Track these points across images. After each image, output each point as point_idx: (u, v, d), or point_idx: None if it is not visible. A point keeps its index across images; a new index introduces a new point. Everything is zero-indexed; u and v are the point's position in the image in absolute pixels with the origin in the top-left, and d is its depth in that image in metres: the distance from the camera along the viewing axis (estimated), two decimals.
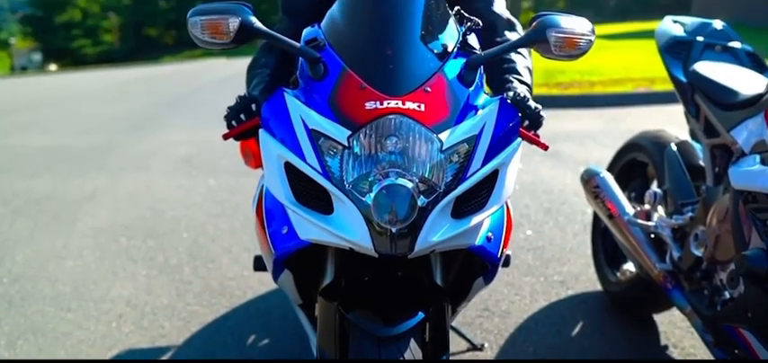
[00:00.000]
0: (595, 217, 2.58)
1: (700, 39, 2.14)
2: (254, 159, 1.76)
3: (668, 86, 2.25)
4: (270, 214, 1.27)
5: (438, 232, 1.10)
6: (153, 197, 4.46)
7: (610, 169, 2.45)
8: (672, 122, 2.26)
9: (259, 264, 1.60)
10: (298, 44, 1.25)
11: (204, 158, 5.65)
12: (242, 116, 1.32)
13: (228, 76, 13.29)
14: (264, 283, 2.82)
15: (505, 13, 1.73)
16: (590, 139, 5.38)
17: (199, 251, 3.31)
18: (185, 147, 6.25)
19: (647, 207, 2.16)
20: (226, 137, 1.34)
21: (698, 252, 1.86)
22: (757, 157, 1.62)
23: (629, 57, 10.75)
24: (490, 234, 1.22)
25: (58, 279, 3.05)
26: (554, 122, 6.08)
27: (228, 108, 1.33)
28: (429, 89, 1.16)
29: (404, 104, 1.12)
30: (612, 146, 4.66)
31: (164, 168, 5.40)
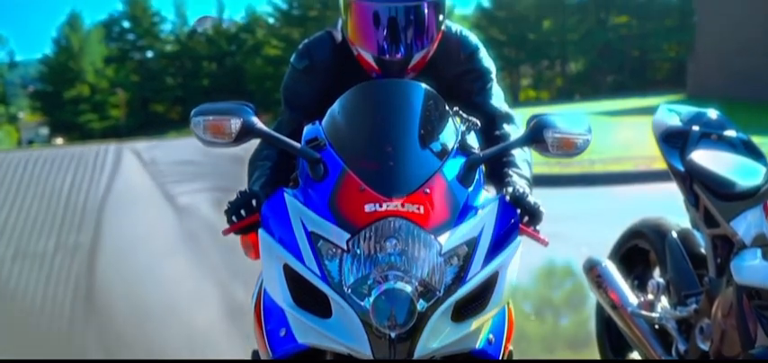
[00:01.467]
0: (599, 306, 2.55)
1: (696, 128, 2.17)
2: (254, 251, 1.75)
3: None
4: (268, 312, 1.26)
5: (438, 337, 1.09)
6: None
7: (611, 256, 2.43)
8: (673, 198, 2.26)
9: (256, 358, 1.58)
10: (298, 145, 1.27)
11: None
12: (242, 212, 1.33)
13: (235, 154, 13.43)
14: None
15: (504, 107, 1.76)
16: (592, 219, 5.38)
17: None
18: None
19: (650, 296, 2.13)
20: (226, 232, 1.34)
21: (704, 346, 1.83)
22: (758, 251, 1.62)
23: (627, 135, 10.88)
24: (491, 336, 1.20)
25: None
26: (556, 202, 6.10)
27: (229, 203, 1.34)
28: (428, 190, 1.17)
29: (403, 206, 1.13)
30: (615, 226, 4.65)
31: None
